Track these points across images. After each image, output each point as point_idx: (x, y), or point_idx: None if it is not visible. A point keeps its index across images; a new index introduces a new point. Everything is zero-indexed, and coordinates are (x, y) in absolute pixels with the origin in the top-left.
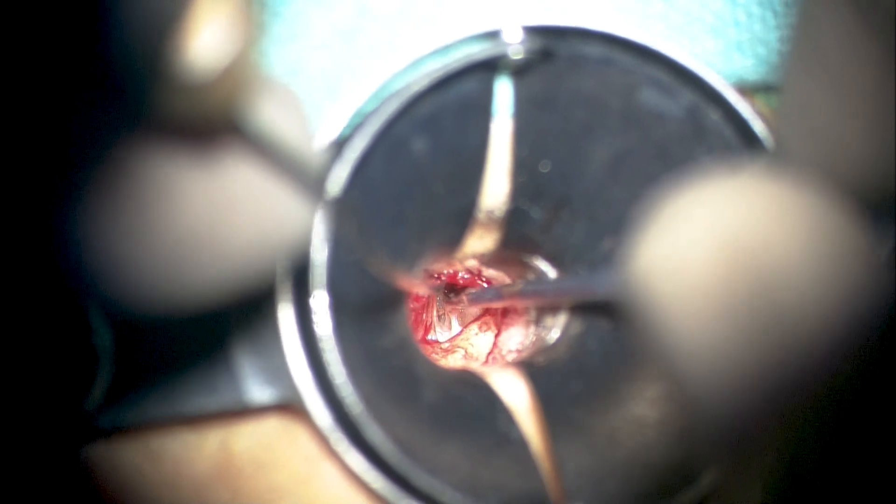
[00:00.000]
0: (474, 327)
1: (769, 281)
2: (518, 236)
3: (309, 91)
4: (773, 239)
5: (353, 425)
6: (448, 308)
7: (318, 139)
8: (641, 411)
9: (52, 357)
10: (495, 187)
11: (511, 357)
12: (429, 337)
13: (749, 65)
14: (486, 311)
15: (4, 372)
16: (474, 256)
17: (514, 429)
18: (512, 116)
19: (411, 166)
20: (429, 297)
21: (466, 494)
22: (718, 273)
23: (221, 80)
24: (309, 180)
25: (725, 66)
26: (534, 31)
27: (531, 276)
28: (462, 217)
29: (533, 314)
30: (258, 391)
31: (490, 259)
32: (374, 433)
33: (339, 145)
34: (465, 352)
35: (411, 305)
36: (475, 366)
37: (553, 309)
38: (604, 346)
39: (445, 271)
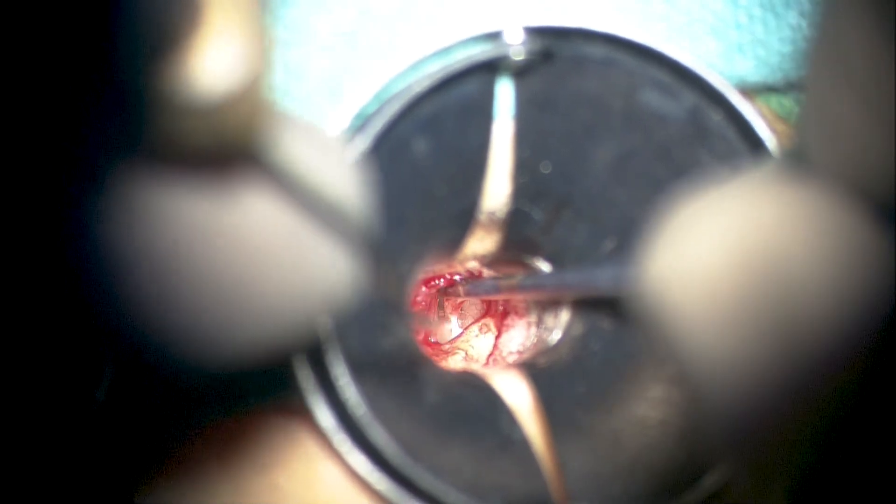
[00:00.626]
0: (475, 329)
1: (785, 284)
2: (519, 237)
3: (311, 93)
4: (790, 242)
5: (356, 426)
6: (445, 301)
7: (353, 179)
8: (644, 412)
9: (60, 356)
10: (496, 188)
11: (512, 359)
12: (430, 339)
13: (750, 66)
14: (487, 313)
15: (12, 372)
16: (475, 257)
17: (517, 430)
18: (513, 117)
19: (412, 167)
20: (430, 299)
21: (469, 495)
22: (734, 276)
23: (235, 104)
24: (345, 224)
25: (726, 68)
26: (535, 33)
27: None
28: (463, 218)
29: (534, 315)
30: (262, 392)
31: (491, 260)
32: (377, 434)
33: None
34: (466, 353)
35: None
36: (476, 367)
37: (553, 305)
38: (606, 347)
39: (446, 273)
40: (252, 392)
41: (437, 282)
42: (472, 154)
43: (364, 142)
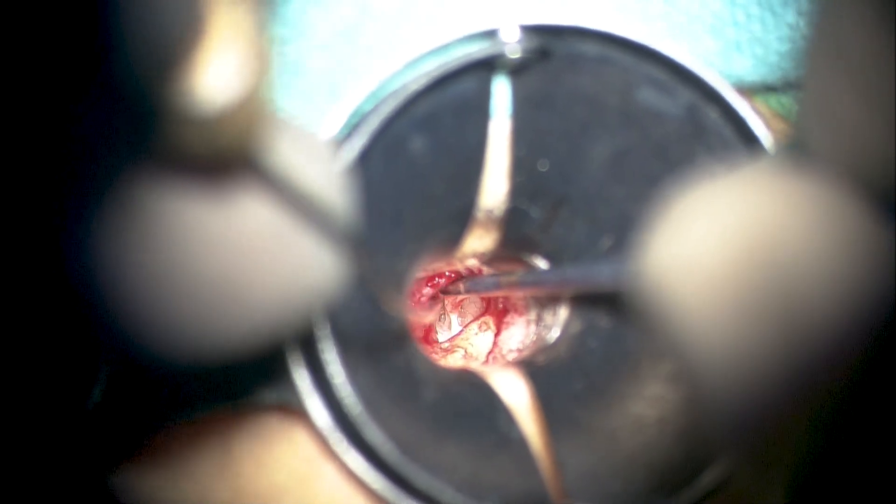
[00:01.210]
0: (474, 327)
1: (785, 275)
2: (517, 235)
3: (309, 91)
4: (790, 233)
5: (353, 425)
6: (445, 298)
7: (342, 180)
8: (642, 410)
9: (53, 358)
10: (494, 187)
11: (511, 356)
12: (429, 337)
13: (748, 65)
14: (486, 311)
15: (5, 375)
16: (474, 255)
17: (515, 428)
18: (510, 116)
19: (409, 166)
20: (429, 297)
21: (467, 494)
22: (734, 268)
23: (235, 114)
24: (334, 225)
25: (724, 67)
26: (531, 31)
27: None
28: (461, 216)
29: (533, 313)
30: (257, 391)
31: (490, 258)
32: (374, 433)
33: (337, 145)
34: (465, 351)
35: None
36: (475, 365)
37: (553, 301)
38: (604, 344)
39: (445, 271)
40: (245, 386)
41: (436, 280)
42: (469, 152)
43: (360, 140)
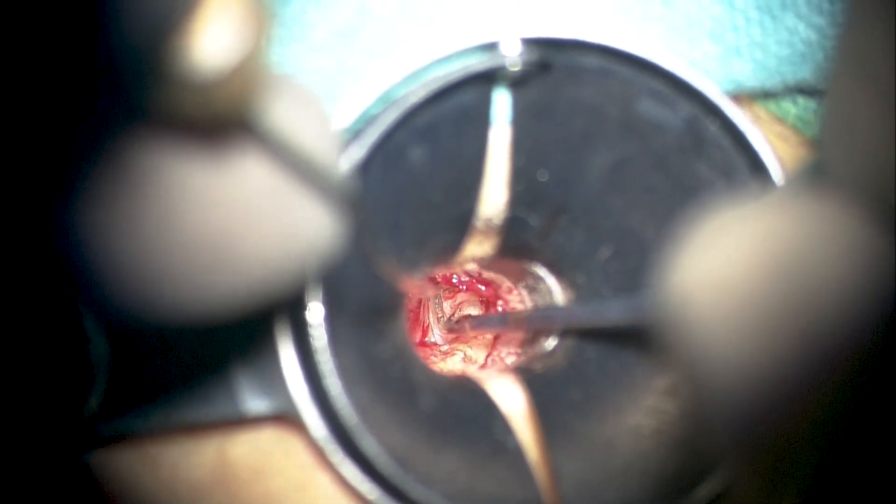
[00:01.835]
0: (472, 336)
1: (810, 300)
2: (516, 243)
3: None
4: (817, 257)
5: (349, 436)
6: (450, 336)
7: (338, 139)
8: (639, 421)
9: (50, 365)
10: (493, 196)
11: (510, 360)
12: (427, 339)
13: (747, 69)
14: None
15: (3, 380)
16: (472, 261)
17: (511, 437)
18: (510, 126)
19: (409, 175)
20: (426, 298)
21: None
22: (760, 292)
23: (232, 78)
24: (328, 183)
25: (723, 71)
26: (532, 43)
27: (529, 281)
28: (460, 225)
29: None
30: (254, 402)
31: (489, 263)
32: (370, 444)
33: (348, 162)
34: (465, 354)
35: (408, 309)
36: (472, 370)
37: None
38: (601, 354)
39: (443, 275)
40: (242, 395)
41: (437, 282)
42: (468, 162)
43: (361, 149)
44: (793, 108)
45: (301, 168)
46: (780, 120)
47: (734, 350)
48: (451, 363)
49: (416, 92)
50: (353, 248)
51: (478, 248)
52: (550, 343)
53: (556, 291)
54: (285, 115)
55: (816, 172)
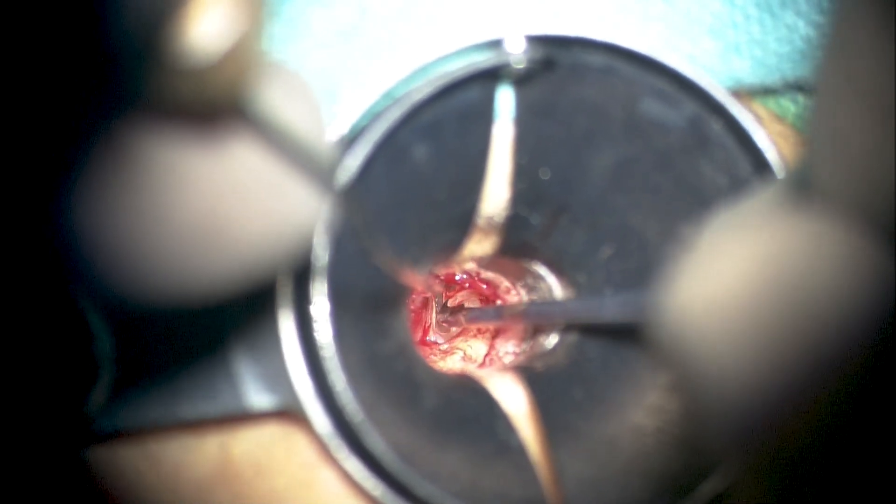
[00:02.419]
0: (472, 330)
1: (806, 313)
2: (517, 242)
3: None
4: (810, 270)
5: (353, 432)
6: (445, 326)
7: (330, 126)
8: (641, 419)
9: (53, 361)
10: (495, 194)
11: (508, 360)
12: (427, 338)
13: (747, 67)
14: None
15: (5, 376)
16: (473, 260)
17: (514, 435)
18: (513, 124)
19: (412, 172)
20: (428, 297)
21: (466, 501)
22: (756, 304)
23: (225, 64)
24: (318, 167)
25: (723, 68)
26: (536, 41)
27: (529, 280)
28: (462, 223)
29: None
30: (258, 397)
31: (488, 262)
32: (375, 441)
33: (342, 151)
34: (464, 353)
35: (410, 307)
36: (473, 369)
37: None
38: (603, 353)
39: (443, 272)
40: (245, 391)
41: (437, 279)
42: (471, 159)
43: (365, 147)
44: (792, 106)
45: (291, 153)
46: (780, 118)
47: (731, 363)
48: (450, 362)
49: (421, 89)
50: (354, 244)
51: (478, 246)
52: (551, 341)
53: (557, 291)
54: (276, 101)
55: (803, 181)
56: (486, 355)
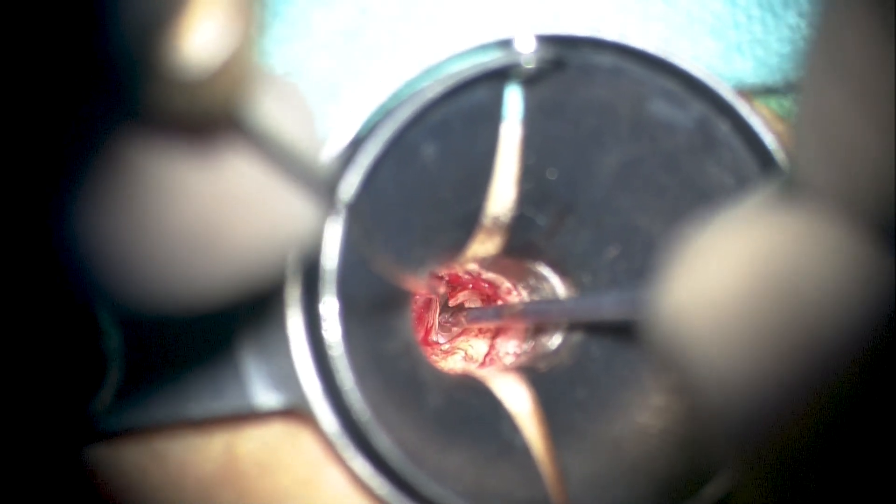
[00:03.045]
0: (473, 329)
1: (799, 309)
2: (522, 242)
3: (310, 91)
4: (802, 268)
5: (360, 431)
6: (446, 325)
7: (323, 136)
8: (645, 420)
9: (61, 358)
10: (502, 193)
11: (509, 360)
12: (429, 338)
13: (748, 67)
14: None
15: (13, 373)
16: (475, 260)
17: (518, 435)
18: (521, 124)
19: (420, 171)
20: (430, 298)
21: (471, 501)
22: (749, 303)
23: (220, 76)
24: (313, 177)
25: (725, 69)
26: (546, 41)
27: (532, 281)
28: (467, 223)
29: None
30: (265, 396)
31: (490, 263)
32: (381, 440)
33: (352, 150)
34: (465, 353)
35: (413, 308)
36: (477, 369)
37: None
38: (607, 353)
39: (445, 273)
40: (251, 389)
41: (440, 280)
42: (479, 159)
43: (375, 146)
44: (794, 106)
45: (285, 163)
46: (781, 118)
47: (724, 361)
48: (451, 362)
49: (432, 88)
50: (357, 248)
51: (482, 246)
52: (554, 342)
53: (560, 292)
54: (271, 111)
55: (794, 181)
56: (487, 355)
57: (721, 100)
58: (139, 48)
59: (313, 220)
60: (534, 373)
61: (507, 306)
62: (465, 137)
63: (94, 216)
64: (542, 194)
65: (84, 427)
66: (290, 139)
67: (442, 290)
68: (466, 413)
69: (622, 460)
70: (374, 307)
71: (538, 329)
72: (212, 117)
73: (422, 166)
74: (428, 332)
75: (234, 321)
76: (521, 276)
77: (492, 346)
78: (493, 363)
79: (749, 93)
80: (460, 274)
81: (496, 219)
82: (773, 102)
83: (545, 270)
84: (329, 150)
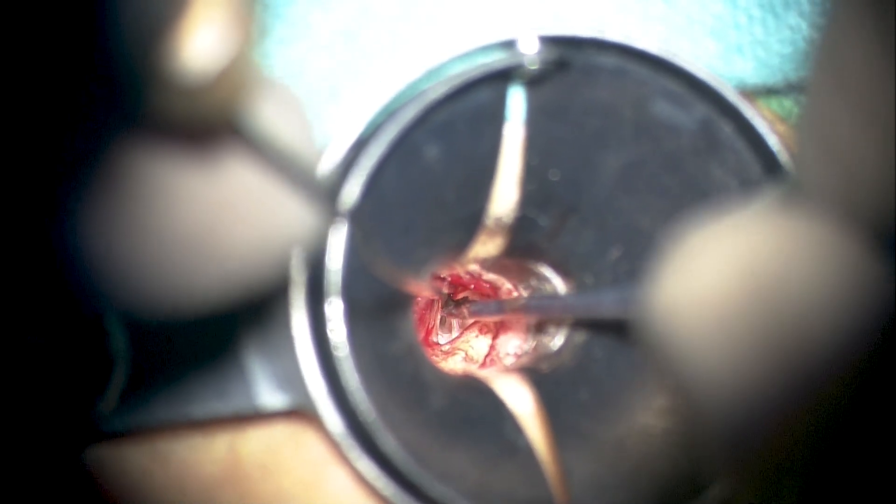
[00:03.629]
0: (474, 330)
1: (788, 311)
2: (524, 243)
3: (310, 93)
4: (793, 270)
5: (365, 432)
6: (449, 317)
7: (320, 140)
8: (648, 421)
9: (66, 360)
10: (505, 194)
11: (509, 361)
12: (430, 339)
13: (749, 67)
14: None
15: (18, 375)
16: (477, 261)
17: (521, 436)
18: (524, 125)
19: (423, 172)
20: (432, 299)
21: (474, 501)
22: (738, 303)
23: (219, 82)
24: (312, 181)
25: (726, 69)
26: (550, 42)
27: (533, 282)
28: (470, 223)
29: (534, 320)
30: (270, 397)
31: (492, 264)
32: (386, 440)
33: (355, 152)
34: (466, 354)
35: (415, 309)
36: (479, 370)
37: (556, 322)
38: (609, 354)
39: (447, 274)
40: (254, 390)
41: (442, 281)
42: (481, 160)
43: (379, 147)
44: (795, 107)
45: (283, 168)
46: (782, 119)
47: (715, 362)
48: (452, 363)
49: (436, 88)
50: (359, 251)
51: (484, 247)
52: (556, 343)
53: (562, 293)
54: (269, 117)
55: (794, 186)
56: (487, 356)
57: (725, 101)
58: (140, 54)
59: (314, 223)
60: (536, 374)
61: (508, 300)
62: (468, 138)
63: (97, 220)
64: (545, 195)
65: (88, 428)
66: (289, 143)
67: (443, 290)
68: (469, 414)
69: (625, 461)
70: (376, 308)
71: (539, 329)
72: (212, 123)
73: (425, 167)
74: (429, 332)
75: (238, 322)
76: (522, 276)
77: (492, 347)
78: (493, 364)
79: (750, 94)
80: (461, 275)
81: (499, 219)
82: (775, 103)
83: (547, 271)
84: (332, 152)
